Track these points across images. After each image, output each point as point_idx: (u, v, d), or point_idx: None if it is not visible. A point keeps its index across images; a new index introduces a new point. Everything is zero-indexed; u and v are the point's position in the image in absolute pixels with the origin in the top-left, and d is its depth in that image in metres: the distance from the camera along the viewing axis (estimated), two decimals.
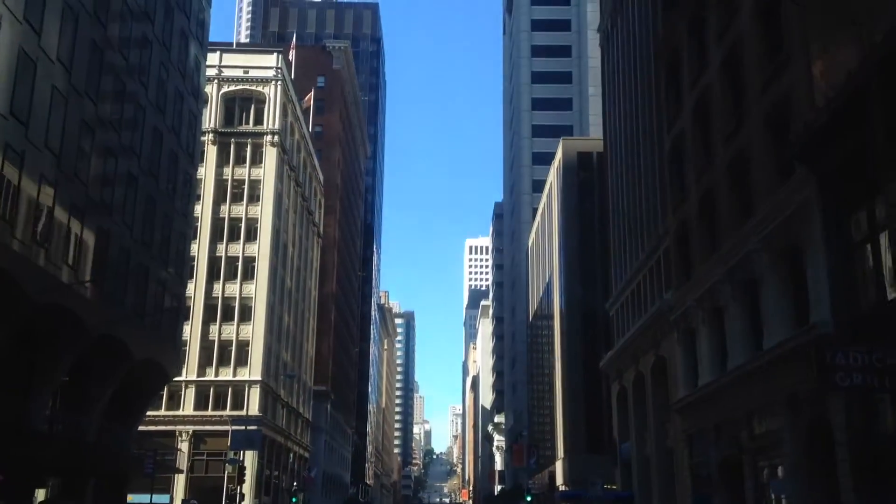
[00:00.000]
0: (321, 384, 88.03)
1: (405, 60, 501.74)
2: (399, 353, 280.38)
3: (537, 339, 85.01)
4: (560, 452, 65.16)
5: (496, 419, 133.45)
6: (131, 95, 35.00)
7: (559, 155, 67.23)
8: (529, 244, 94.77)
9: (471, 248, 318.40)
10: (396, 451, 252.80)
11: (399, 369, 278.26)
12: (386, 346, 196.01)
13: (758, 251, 22.45)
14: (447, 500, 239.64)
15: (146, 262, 37.10)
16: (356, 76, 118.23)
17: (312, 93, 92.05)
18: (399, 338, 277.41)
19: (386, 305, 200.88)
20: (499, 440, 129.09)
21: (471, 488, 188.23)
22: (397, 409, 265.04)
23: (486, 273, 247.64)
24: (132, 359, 35.49)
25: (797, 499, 20.11)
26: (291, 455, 72.11)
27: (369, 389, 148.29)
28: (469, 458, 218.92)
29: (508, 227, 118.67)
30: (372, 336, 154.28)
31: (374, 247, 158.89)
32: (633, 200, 40.44)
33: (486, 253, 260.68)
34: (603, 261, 61.33)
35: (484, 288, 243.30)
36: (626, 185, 42.60)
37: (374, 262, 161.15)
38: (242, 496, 47.23)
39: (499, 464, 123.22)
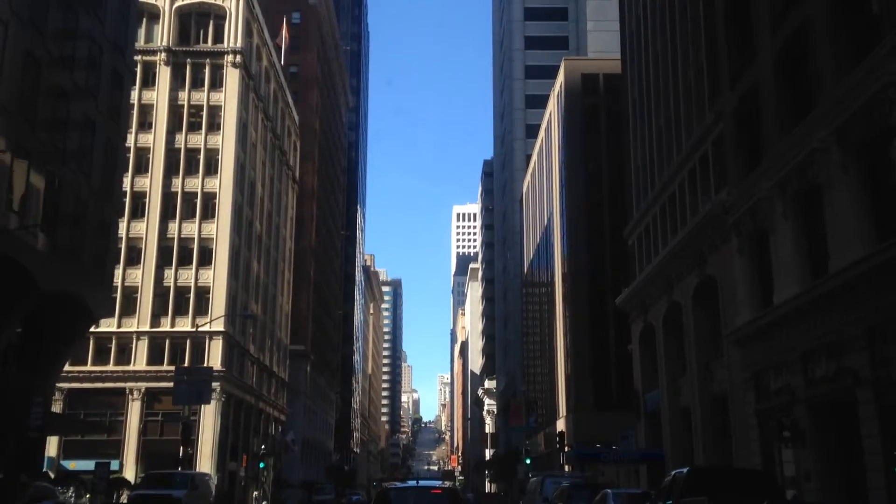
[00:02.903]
0: (299, 344, 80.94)
1: (389, 19, 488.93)
2: (387, 322, 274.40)
3: (533, 292, 78.13)
4: (562, 410, 58.52)
5: (487, 384, 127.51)
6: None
7: (560, 78, 59.63)
8: (523, 191, 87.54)
9: (458, 214, 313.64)
10: (384, 419, 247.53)
11: (387, 337, 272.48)
12: (372, 311, 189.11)
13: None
14: (435, 468, 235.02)
15: (54, 169, 29.43)
16: (337, 23, 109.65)
17: (285, 29, 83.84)
18: (386, 306, 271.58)
19: (371, 269, 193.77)
20: (489, 404, 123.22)
21: (460, 455, 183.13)
22: (385, 377, 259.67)
23: (474, 240, 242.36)
24: (39, 291, 27.99)
25: None
26: (264, 417, 65.07)
27: (355, 354, 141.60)
28: (458, 424, 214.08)
29: (499, 181, 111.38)
30: (357, 300, 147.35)
31: (359, 207, 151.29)
32: (664, 99, 33.04)
33: (474, 220, 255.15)
34: (613, 192, 54.29)
35: (473, 253, 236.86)
36: (652, 83, 35.15)
37: (359, 223, 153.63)
38: (190, 459, 39.92)
39: (489, 427, 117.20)
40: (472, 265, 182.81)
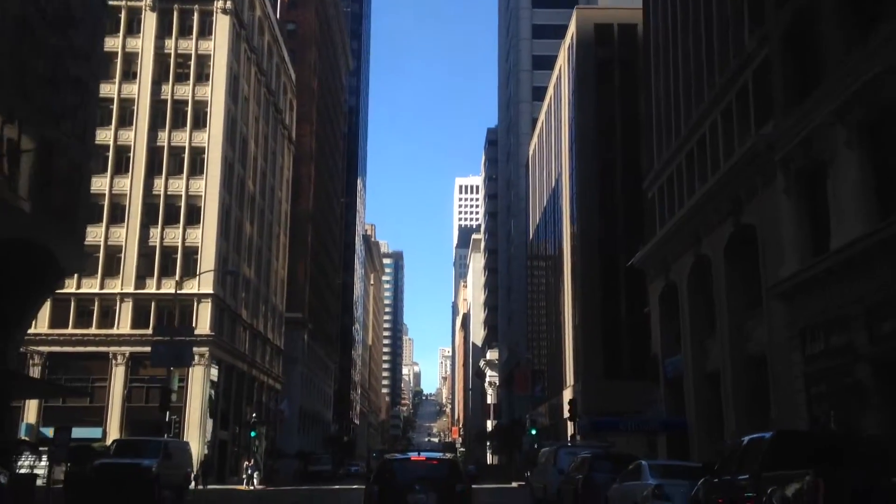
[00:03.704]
0: (296, 311, 78.28)
1: None
2: (387, 294, 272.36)
3: (539, 259, 75.19)
4: (569, 380, 55.85)
5: (489, 355, 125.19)
6: None
7: (572, 29, 56.11)
8: (530, 154, 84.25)
9: (461, 187, 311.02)
10: (385, 391, 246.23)
11: (387, 310, 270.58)
12: (373, 282, 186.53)
13: None
14: (436, 440, 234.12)
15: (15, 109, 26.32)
16: None
17: None
18: (387, 278, 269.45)
19: (372, 239, 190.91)
20: (491, 375, 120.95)
21: (461, 426, 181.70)
22: (385, 349, 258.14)
23: (477, 212, 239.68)
24: None
25: None
26: (258, 385, 62.53)
27: (354, 324, 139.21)
28: (459, 397, 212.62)
29: (503, 147, 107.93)
30: (357, 269, 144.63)
31: (359, 174, 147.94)
32: (694, 34, 29.72)
33: (477, 192, 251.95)
34: (627, 150, 51.20)
35: (475, 225, 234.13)
36: (679, 20, 31.76)
37: (360, 193, 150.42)
38: (169, 425, 37.11)
39: (491, 398, 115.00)
40: (474, 236, 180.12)
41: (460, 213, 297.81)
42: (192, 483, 34.56)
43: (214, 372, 50.99)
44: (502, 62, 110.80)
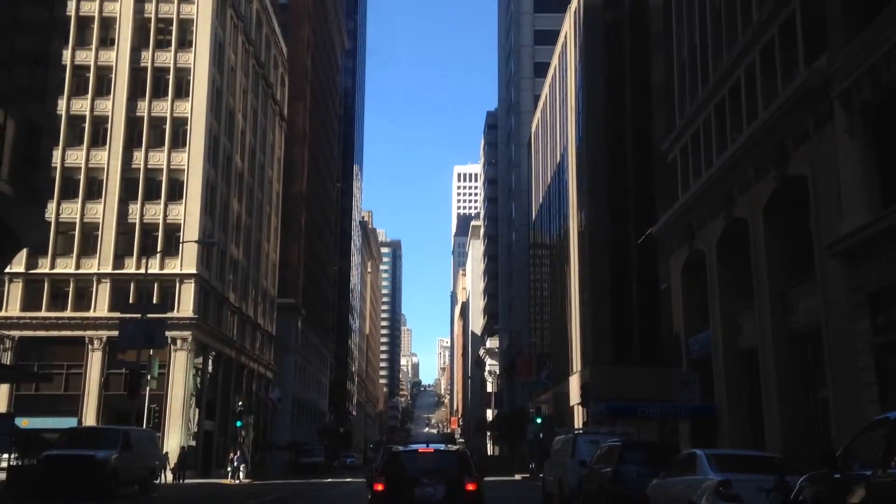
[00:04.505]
0: (289, 297, 75.10)
1: None
2: (385, 284, 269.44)
3: (543, 241, 72.02)
4: (576, 366, 52.77)
5: (488, 343, 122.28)
6: None
7: None
8: (532, 131, 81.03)
9: (459, 175, 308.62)
10: (383, 381, 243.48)
11: (385, 300, 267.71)
12: (370, 270, 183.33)
13: None
14: (435, 431, 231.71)
15: None
16: None
17: None
18: (385, 267, 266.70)
19: (369, 225, 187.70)
20: (491, 364, 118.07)
21: (459, 417, 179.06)
22: (383, 339, 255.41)
23: (476, 200, 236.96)
24: None
25: None
26: (247, 373, 59.41)
27: (351, 312, 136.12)
28: (458, 387, 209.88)
29: (504, 128, 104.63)
30: (354, 256, 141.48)
31: (356, 160, 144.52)
32: None
33: (475, 180, 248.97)
34: (637, 119, 48.05)
35: (474, 213, 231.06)
36: None
37: (355, 176, 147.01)
38: (149, 415, 34.07)
39: (491, 387, 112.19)
40: (473, 223, 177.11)
41: (459, 201, 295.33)
42: (163, 477, 31.55)
43: (199, 358, 47.91)
44: (502, 40, 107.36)
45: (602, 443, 18.97)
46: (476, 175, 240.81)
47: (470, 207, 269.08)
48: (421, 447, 13.73)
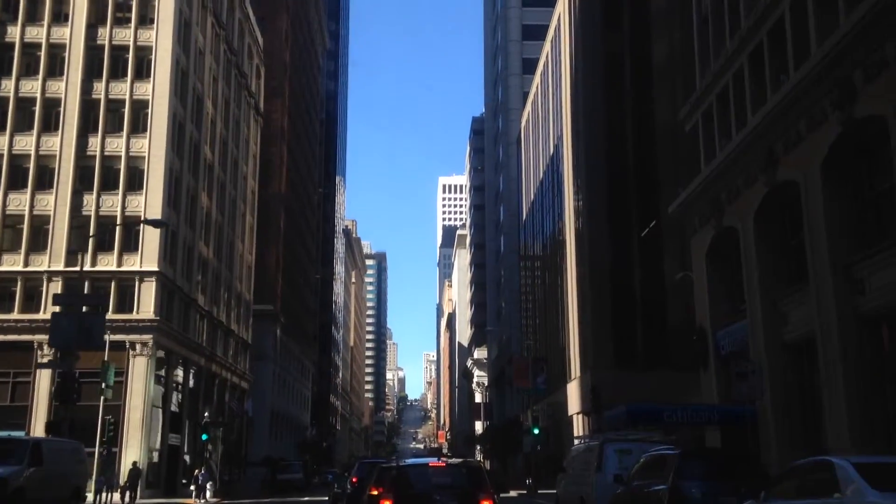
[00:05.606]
0: (266, 303, 70.72)
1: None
2: (371, 297, 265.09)
3: (535, 240, 68.17)
4: (574, 372, 48.76)
5: (476, 354, 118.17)
6: None
7: None
8: (521, 127, 77.49)
9: (444, 186, 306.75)
10: (368, 396, 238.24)
11: (371, 312, 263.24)
12: (354, 280, 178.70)
13: None
14: (421, 446, 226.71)
15: None
16: None
17: None
18: (370, 279, 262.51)
19: (353, 234, 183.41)
20: (479, 375, 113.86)
21: (447, 431, 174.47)
22: (369, 353, 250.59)
23: (461, 211, 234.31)
24: None
25: None
26: (219, 382, 54.85)
27: (335, 322, 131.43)
28: (445, 401, 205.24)
29: (491, 130, 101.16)
30: (338, 266, 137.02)
31: (339, 167, 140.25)
32: None
33: (461, 192, 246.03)
34: (639, 104, 44.60)
35: (460, 224, 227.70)
36: None
37: (339, 184, 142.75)
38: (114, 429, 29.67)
39: (479, 398, 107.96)
40: (459, 232, 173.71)
41: (445, 212, 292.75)
42: (109, 497, 27.21)
43: (165, 366, 43.46)
44: (488, 40, 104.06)
45: (635, 452, 14.92)
46: (461, 186, 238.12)
47: (455, 219, 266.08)
48: (432, 460, 13.22)
